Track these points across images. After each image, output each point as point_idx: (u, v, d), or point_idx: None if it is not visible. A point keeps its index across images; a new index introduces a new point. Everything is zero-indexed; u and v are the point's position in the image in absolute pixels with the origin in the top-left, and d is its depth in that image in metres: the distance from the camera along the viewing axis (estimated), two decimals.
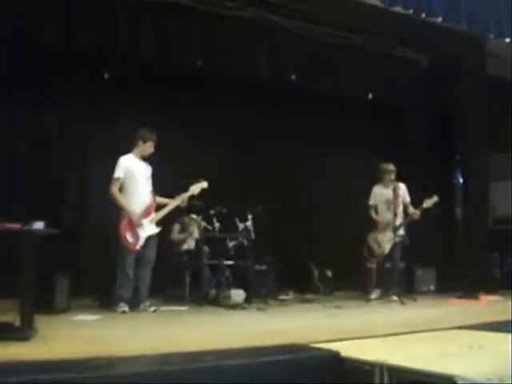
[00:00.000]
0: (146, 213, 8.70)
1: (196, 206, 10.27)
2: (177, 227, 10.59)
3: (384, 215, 10.64)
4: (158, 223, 8.86)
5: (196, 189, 9.13)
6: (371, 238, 10.69)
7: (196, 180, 9.17)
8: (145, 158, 8.89)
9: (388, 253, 10.47)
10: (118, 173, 8.59)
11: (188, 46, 10.32)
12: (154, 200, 8.84)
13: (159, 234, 8.90)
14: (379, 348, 5.31)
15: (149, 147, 8.85)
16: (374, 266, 10.64)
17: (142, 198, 8.71)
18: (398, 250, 10.48)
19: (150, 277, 8.69)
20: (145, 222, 8.63)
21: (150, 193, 8.81)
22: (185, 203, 9.15)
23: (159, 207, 8.93)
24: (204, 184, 9.17)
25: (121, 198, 8.59)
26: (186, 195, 9.09)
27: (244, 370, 4.61)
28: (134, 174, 8.67)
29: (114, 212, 8.66)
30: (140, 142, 8.82)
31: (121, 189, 8.63)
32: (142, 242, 8.57)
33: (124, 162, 8.66)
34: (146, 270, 8.65)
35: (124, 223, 8.53)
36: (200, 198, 9.81)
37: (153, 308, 8.57)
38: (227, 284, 9.83)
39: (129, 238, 8.49)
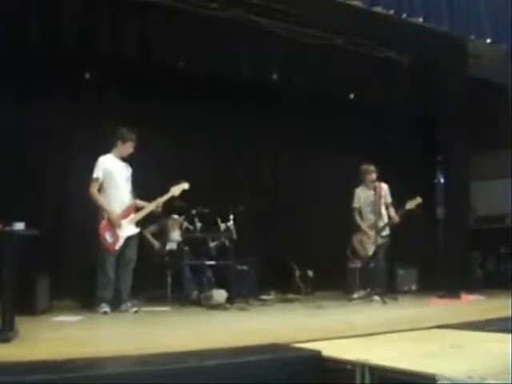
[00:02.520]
0: (126, 213, 8.70)
1: (177, 206, 10.26)
2: (152, 227, 10.56)
3: (368, 217, 10.67)
4: (138, 223, 8.85)
5: (177, 190, 9.12)
6: (355, 240, 10.72)
7: (177, 181, 9.15)
8: (124, 159, 8.87)
9: (372, 254, 10.50)
10: (97, 173, 8.58)
11: (170, 47, 10.30)
12: (134, 201, 8.83)
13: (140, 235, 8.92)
14: (361, 347, 5.32)
15: (128, 147, 8.84)
16: (356, 265, 10.66)
17: (121, 199, 8.70)
18: (381, 250, 10.51)
19: (131, 277, 8.69)
20: (124, 222, 8.62)
21: (129, 193, 8.81)
22: (160, 208, 9.10)
23: (139, 209, 8.91)
24: (185, 185, 9.16)
25: (100, 199, 8.58)
26: (166, 196, 9.09)
27: (226, 370, 4.61)
28: (113, 175, 8.66)
29: (95, 212, 8.65)
30: (119, 143, 8.82)
31: (100, 189, 8.63)
32: (121, 242, 8.57)
33: (103, 162, 8.65)
34: (126, 271, 8.64)
35: (103, 223, 8.53)
36: (182, 198, 9.80)
37: (134, 309, 8.56)
38: (209, 284, 9.85)
39: (108, 238, 8.49)
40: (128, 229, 8.66)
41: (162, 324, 7.63)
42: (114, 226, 8.52)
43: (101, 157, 8.68)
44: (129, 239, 8.66)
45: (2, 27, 8.80)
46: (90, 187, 8.55)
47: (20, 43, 9.16)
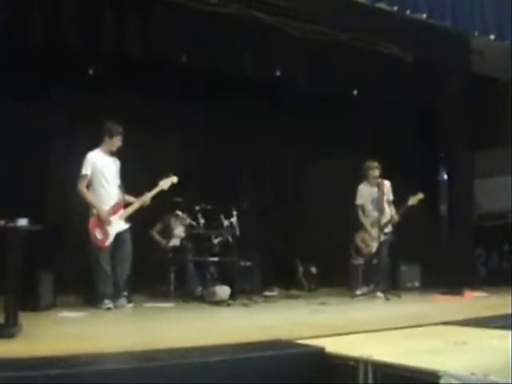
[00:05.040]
0: (115, 209, 8.65)
1: (181, 203, 10.29)
2: (158, 226, 10.61)
3: (371, 214, 10.65)
4: (128, 219, 8.80)
5: (165, 184, 9.00)
6: (358, 238, 10.71)
7: (166, 175, 9.09)
8: (113, 153, 8.83)
9: (375, 251, 10.50)
10: (86, 169, 8.53)
11: (172, 42, 10.28)
12: (123, 196, 8.81)
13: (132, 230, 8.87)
14: (364, 344, 5.32)
15: (116, 141, 8.74)
16: (359, 262, 10.66)
17: (110, 195, 8.67)
18: (384, 247, 10.49)
19: (127, 273, 8.64)
20: (113, 218, 8.59)
21: (118, 188, 8.75)
22: (148, 202, 8.99)
23: (128, 204, 8.87)
24: (174, 178, 9.02)
25: (88, 195, 8.55)
26: (155, 190, 8.98)
27: (229, 365, 4.62)
28: (101, 170, 8.61)
29: (86, 209, 8.66)
30: (107, 137, 8.73)
31: (89, 185, 8.59)
32: (111, 238, 8.53)
33: (91, 159, 8.60)
34: (122, 267, 8.59)
35: (92, 220, 8.50)
36: (185, 195, 9.83)
37: (130, 304, 8.60)
38: (212, 280, 9.85)
39: (98, 235, 8.45)
40: (117, 225, 8.61)
41: (166, 320, 7.63)
42: (103, 222, 8.50)
43: (89, 153, 8.63)
44: (120, 235, 8.62)
45: (4, 26, 8.78)
46: (78, 184, 8.52)
47: (21, 42, 9.15)
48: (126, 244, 8.67)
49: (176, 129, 11.32)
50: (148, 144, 10.74)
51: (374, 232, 10.47)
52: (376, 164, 10.63)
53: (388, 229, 10.56)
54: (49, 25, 9.15)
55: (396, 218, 10.50)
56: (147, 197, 8.91)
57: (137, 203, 8.86)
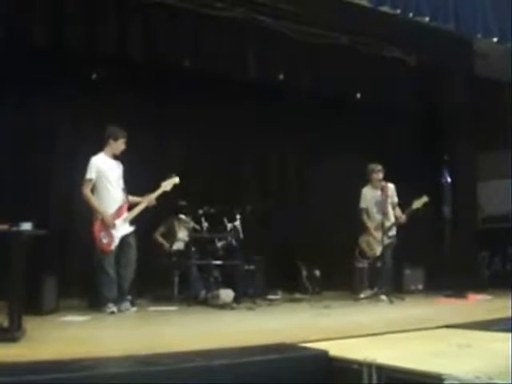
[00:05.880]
0: (119, 213, 8.66)
1: (184, 206, 10.29)
2: (161, 229, 10.61)
3: (375, 217, 10.64)
4: (133, 222, 8.80)
5: (167, 185, 9.02)
6: (363, 241, 10.71)
7: (168, 176, 9.09)
8: (116, 157, 8.85)
9: (379, 254, 10.48)
10: (90, 174, 8.56)
11: (176, 46, 10.28)
12: (127, 199, 8.82)
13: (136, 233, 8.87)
14: (367, 347, 5.31)
15: (120, 145, 8.80)
16: (363, 265, 10.65)
17: (114, 198, 8.68)
18: (388, 250, 10.49)
19: (131, 276, 8.66)
20: (118, 221, 8.59)
21: (122, 192, 8.77)
22: (154, 202, 9.01)
23: (132, 206, 8.89)
24: (176, 179, 9.05)
25: (93, 200, 8.57)
26: (158, 192, 9.00)
27: (233, 369, 4.61)
28: (105, 174, 8.64)
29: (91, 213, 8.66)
30: (111, 141, 8.77)
31: (93, 189, 8.61)
32: (116, 242, 8.53)
33: (95, 162, 8.62)
34: (126, 270, 8.62)
35: (97, 224, 8.51)
36: (188, 198, 9.81)
37: (134, 308, 8.60)
38: (216, 284, 9.83)
39: (103, 238, 8.46)
40: (122, 228, 8.62)
41: (169, 324, 7.64)
42: (107, 226, 8.52)
43: (93, 157, 8.65)
44: (125, 238, 8.63)
45: (6, 27, 8.79)
46: (83, 188, 8.54)
47: (24, 43, 9.15)
48: (130, 247, 8.68)
49: (179, 131, 11.32)
50: (151, 146, 10.74)
51: (378, 235, 10.45)
52: (379, 167, 10.62)
53: (392, 232, 10.56)
54: (52, 28, 9.16)
55: (403, 218, 10.49)
56: (151, 197, 8.93)
57: (141, 205, 8.88)
